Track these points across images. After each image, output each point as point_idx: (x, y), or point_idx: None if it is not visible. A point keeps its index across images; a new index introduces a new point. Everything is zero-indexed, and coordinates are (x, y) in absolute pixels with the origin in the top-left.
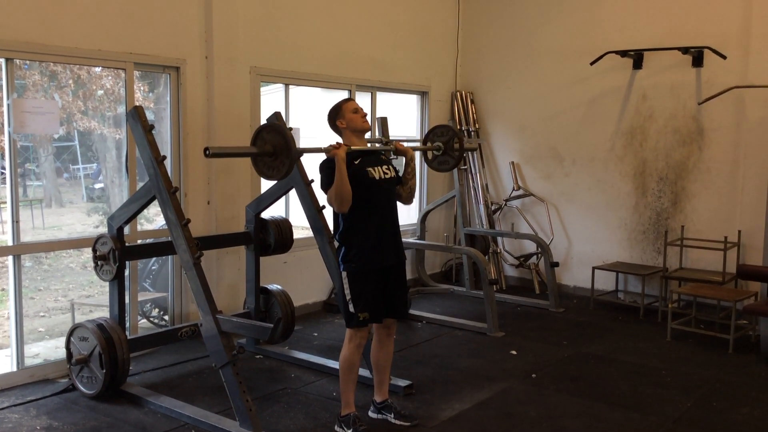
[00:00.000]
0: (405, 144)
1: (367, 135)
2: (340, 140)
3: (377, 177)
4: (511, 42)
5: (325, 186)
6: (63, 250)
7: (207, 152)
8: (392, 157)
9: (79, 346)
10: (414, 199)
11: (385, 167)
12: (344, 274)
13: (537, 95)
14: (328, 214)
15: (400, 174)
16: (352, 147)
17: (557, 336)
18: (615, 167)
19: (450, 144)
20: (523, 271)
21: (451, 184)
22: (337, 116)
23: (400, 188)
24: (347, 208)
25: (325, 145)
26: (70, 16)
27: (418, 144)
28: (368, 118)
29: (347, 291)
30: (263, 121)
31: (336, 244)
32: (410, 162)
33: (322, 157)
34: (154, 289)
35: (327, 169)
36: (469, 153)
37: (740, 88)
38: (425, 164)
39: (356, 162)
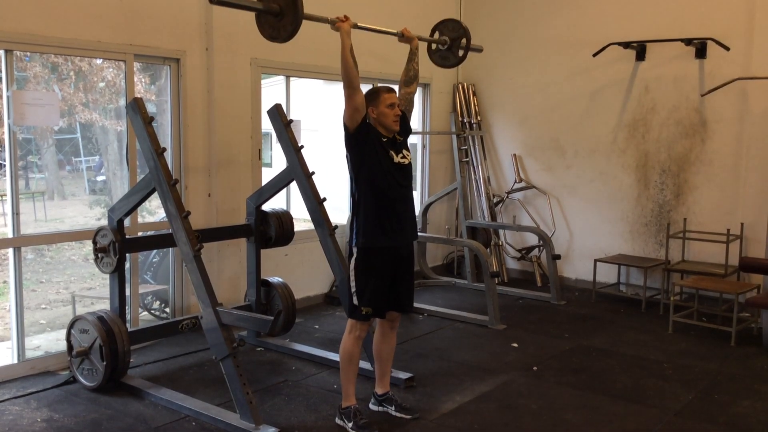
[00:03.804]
0: (409, 31)
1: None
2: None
3: (396, 161)
4: (513, 34)
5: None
6: (63, 242)
7: None
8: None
9: (80, 338)
10: (416, 86)
11: (401, 155)
12: (354, 252)
13: (539, 87)
14: (329, 205)
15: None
16: (358, 24)
17: (559, 329)
18: (617, 159)
19: (457, 41)
20: (524, 263)
21: (452, 176)
22: (371, 102)
23: (403, 74)
24: (355, 85)
25: (334, 142)
26: (70, 8)
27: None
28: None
29: (353, 283)
30: (264, 114)
31: (351, 221)
32: (416, 51)
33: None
34: (155, 281)
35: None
36: (471, 146)
37: (743, 79)
38: (427, 63)
39: (384, 140)
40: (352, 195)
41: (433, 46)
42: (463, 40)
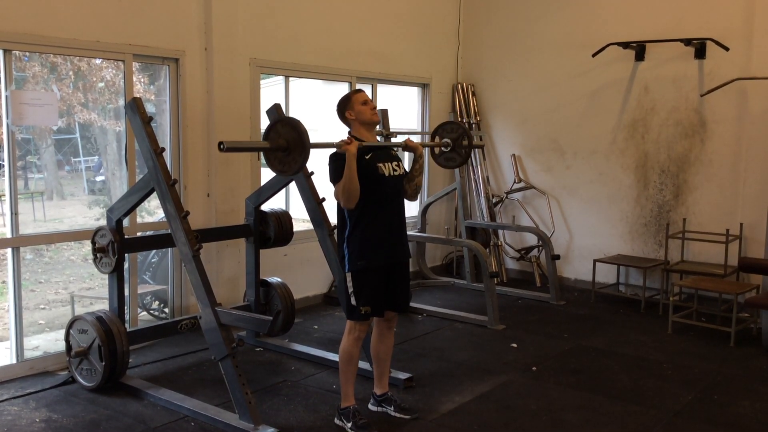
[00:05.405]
0: (412, 141)
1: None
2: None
3: (387, 173)
4: (512, 34)
5: (334, 179)
6: (62, 242)
7: (221, 146)
8: (398, 149)
9: (79, 338)
10: (418, 196)
11: (395, 163)
12: (349, 274)
13: (538, 87)
14: (330, 207)
15: (408, 170)
16: (363, 143)
17: (558, 329)
18: (617, 160)
19: (458, 142)
20: (524, 263)
21: (452, 177)
22: (346, 107)
23: (407, 184)
24: (354, 204)
25: (335, 139)
26: (69, 7)
27: (423, 138)
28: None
29: (350, 284)
30: (263, 114)
31: (340, 242)
32: (419, 159)
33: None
34: (154, 281)
35: (336, 162)
36: None
37: (743, 80)
38: (430, 159)
39: (367, 157)
40: (341, 221)
41: (437, 150)
42: (465, 141)
